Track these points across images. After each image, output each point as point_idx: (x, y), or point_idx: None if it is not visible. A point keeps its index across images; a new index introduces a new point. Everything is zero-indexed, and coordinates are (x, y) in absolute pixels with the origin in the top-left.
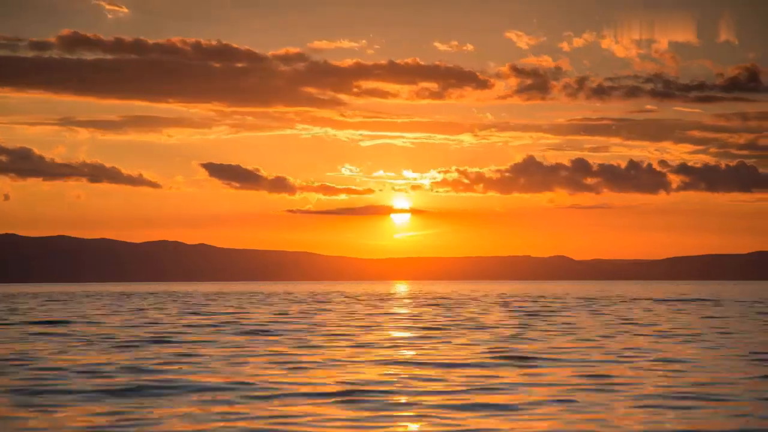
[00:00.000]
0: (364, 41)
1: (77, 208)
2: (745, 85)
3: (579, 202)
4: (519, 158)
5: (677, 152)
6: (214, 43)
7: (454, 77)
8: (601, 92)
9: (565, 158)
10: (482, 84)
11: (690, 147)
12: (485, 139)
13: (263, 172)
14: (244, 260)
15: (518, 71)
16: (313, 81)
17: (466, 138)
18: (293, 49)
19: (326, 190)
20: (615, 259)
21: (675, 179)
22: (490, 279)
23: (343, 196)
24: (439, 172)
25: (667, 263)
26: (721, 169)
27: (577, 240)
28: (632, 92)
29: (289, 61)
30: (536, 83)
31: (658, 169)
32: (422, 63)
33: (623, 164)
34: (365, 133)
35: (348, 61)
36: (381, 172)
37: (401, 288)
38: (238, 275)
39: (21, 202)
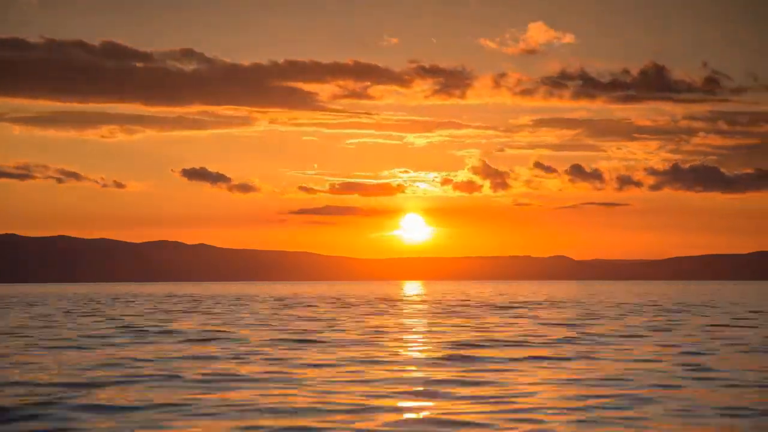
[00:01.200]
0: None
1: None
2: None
3: (579, 201)
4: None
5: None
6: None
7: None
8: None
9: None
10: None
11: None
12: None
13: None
14: (244, 260)
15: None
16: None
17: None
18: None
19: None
20: (615, 259)
21: (675, 179)
22: (490, 279)
23: (347, 196)
24: (440, 172)
25: (667, 263)
26: (721, 168)
27: (577, 240)
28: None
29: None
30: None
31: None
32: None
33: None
34: (350, 131)
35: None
36: (386, 172)
37: (412, 289)
38: (238, 275)
39: None
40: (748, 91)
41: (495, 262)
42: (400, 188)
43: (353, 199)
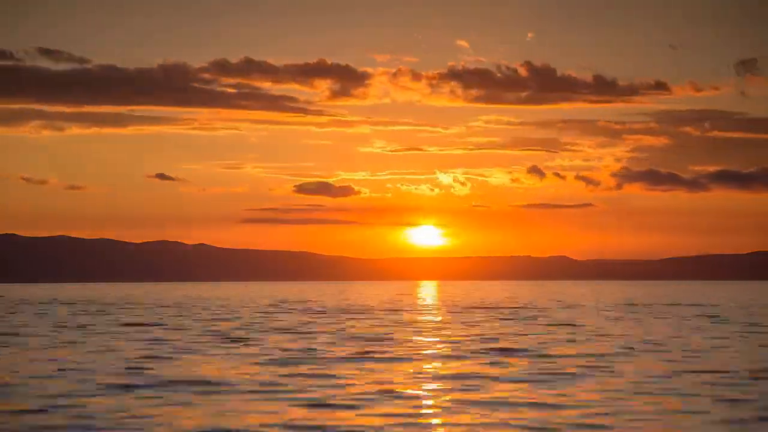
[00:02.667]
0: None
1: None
2: None
3: (580, 201)
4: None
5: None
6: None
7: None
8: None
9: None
10: None
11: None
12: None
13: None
14: (244, 260)
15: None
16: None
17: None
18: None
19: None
20: (615, 259)
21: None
22: (489, 279)
23: (347, 196)
24: (442, 172)
25: (667, 263)
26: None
27: (577, 240)
28: None
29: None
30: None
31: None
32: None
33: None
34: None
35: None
36: (387, 173)
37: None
38: (238, 275)
39: None
40: None
41: (495, 262)
42: (400, 188)
43: (355, 199)
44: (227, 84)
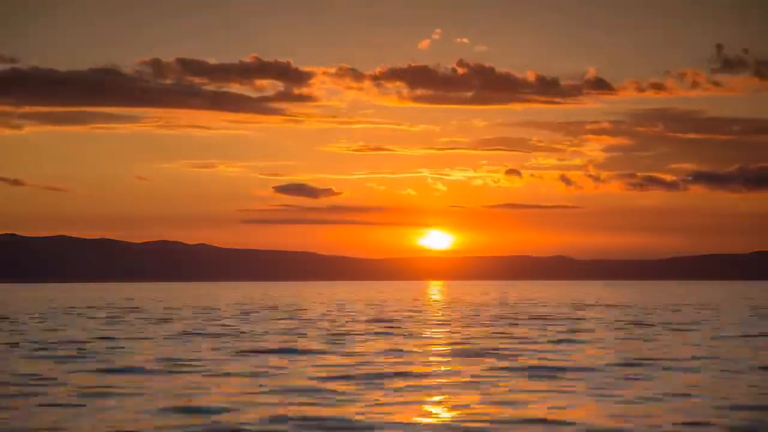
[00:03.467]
0: None
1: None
2: None
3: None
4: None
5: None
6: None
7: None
8: None
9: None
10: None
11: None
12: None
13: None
14: (244, 260)
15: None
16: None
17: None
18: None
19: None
20: (615, 260)
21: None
22: (490, 279)
23: (347, 195)
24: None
25: (667, 263)
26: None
27: (577, 240)
28: None
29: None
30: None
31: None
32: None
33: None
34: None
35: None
36: (387, 172)
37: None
38: (238, 275)
39: None
40: None
41: (495, 262)
42: (399, 187)
43: (355, 199)
44: (163, 84)
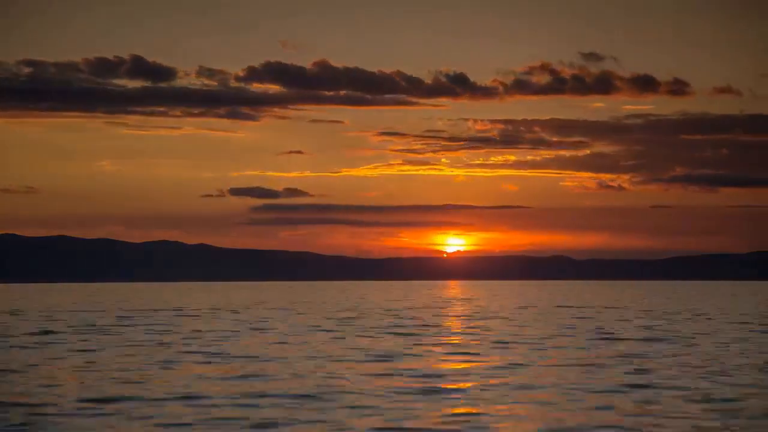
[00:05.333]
0: None
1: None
2: None
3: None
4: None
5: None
6: None
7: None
8: None
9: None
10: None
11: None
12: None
13: None
14: (244, 260)
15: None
16: None
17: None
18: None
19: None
20: (615, 260)
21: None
22: (489, 279)
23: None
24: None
25: (667, 263)
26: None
27: (577, 240)
28: None
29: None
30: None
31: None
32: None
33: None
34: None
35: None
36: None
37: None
38: (238, 275)
39: None
40: None
41: (495, 261)
42: (399, 187)
43: (355, 199)
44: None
